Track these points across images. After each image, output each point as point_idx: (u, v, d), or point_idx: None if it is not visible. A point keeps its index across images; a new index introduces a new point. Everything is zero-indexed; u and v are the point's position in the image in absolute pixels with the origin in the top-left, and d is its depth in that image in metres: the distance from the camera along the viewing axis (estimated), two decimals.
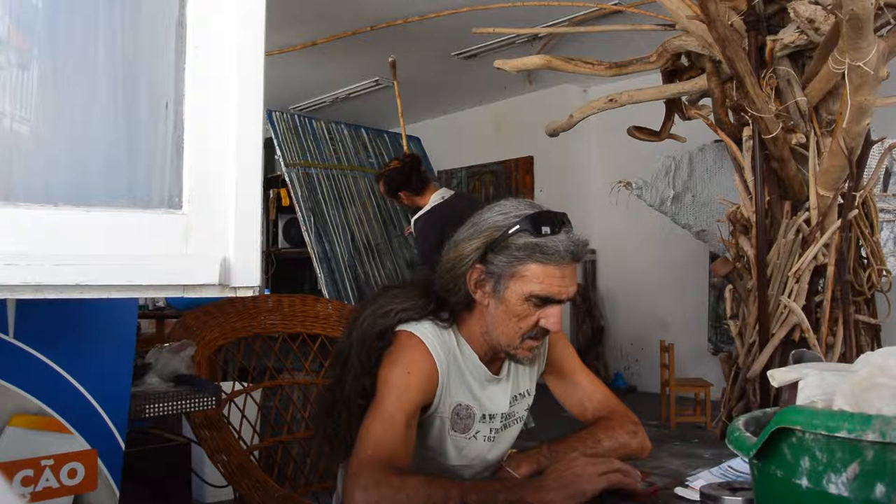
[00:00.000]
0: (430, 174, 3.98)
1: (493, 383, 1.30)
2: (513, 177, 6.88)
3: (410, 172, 3.82)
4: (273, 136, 5.18)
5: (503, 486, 1.09)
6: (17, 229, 0.68)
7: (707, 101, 3.27)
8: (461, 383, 1.26)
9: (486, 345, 1.26)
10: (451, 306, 1.25)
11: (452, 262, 1.22)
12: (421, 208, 3.83)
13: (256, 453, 1.77)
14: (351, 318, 1.31)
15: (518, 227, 1.17)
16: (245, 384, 1.86)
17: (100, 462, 1.13)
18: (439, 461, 1.26)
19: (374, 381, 1.19)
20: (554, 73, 3.90)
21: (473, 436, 1.28)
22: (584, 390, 1.40)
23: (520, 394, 1.36)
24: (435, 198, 3.79)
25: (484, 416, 1.29)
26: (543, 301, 1.18)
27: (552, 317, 1.19)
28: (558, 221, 1.18)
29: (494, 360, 1.30)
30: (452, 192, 3.93)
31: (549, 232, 1.16)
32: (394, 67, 4.71)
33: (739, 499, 0.95)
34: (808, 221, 2.75)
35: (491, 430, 1.30)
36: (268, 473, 1.64)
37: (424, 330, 1.23)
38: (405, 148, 5.00)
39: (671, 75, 3.33)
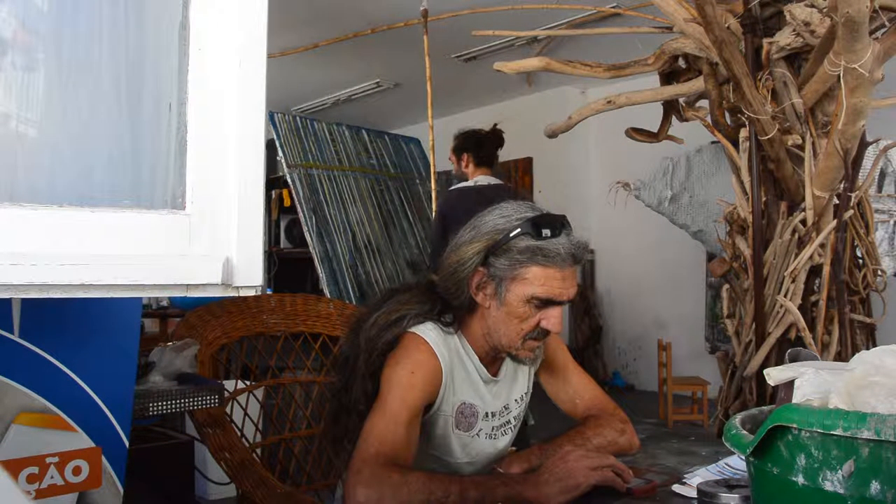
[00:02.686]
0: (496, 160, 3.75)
1: (492, 384, 1.32)
2: (512, 178, 6.87)
3: (487, 142, 3.62)
4: (275, 137, 5.20)
5: (501, 481, 1.11)
6: (22, 229, 0.69)
7: (704, 103, 3.28)
8: (465, 382, 1.27)
9: (487, 346, 1.27)
10: (453, 309, 1.26)
11: (454, 265, 1.23)
12: (463, 181, 3.64)
13: (259, 451, 1.77)
14: (355, 323, 1.32)
15: (519, 230, 1.17)
16: (248, 382, 1.87)
17: (104, 459, 1.13)
18: (444, 459, 1.28)
19: (379, 383, 1.21)
20: (553, 75, 3.91)
21: (476, 433, 1.29)
22: (575, 387, 1.41)
23: (520, 397, 1.38)
24: (479, 179, 3.57)
25: (486, 413, 1.30)
26: (545, 303, 1.19)
27: (553, 318, 1.21)
28: (559, 224, 1.19)
29: (494, 361, 1.32)
30: (495, 182, 3.65)
31: (549, 235, 1.17)
32: (425, 17, 4.26)
33: (736, 496, 0.95)
34: (804, 222, 2.75)
35: (493, 429, 1.32)
36: (270, 470, 1.65)
37: (428, 330, 1.24)
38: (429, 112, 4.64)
39: (669, 77, 3.34)
